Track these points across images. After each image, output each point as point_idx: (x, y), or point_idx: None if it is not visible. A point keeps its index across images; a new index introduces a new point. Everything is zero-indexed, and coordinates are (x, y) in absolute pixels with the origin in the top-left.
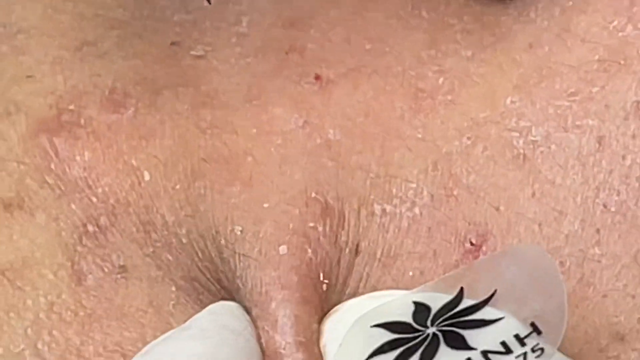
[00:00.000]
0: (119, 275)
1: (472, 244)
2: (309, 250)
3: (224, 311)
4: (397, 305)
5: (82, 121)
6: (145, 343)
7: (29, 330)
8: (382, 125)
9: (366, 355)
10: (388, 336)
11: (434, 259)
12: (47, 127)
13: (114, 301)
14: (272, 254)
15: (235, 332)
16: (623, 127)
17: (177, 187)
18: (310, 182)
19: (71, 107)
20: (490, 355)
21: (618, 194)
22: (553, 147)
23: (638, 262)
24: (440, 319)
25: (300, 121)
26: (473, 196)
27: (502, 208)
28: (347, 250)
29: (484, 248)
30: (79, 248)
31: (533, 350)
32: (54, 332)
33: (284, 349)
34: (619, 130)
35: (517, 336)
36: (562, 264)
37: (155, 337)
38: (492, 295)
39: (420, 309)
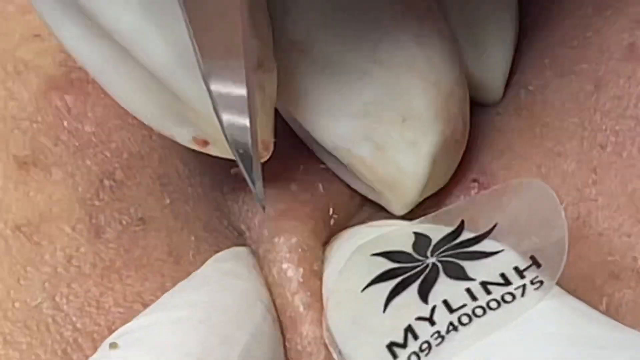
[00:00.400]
0: (137, 228)
1: (474, 180)
2: (320, 186)
3: (228, 257)
4: (398, 235)
5: (91, 77)
6: (165, 292)
7: (47, 284)
8: None
9: (366, 283)
10: (388, 265)
11: (443, 194)
12: (58, 85)
13: (133, 252)
14: (284, 189)
15: (239, 277)
16: (618, 69)
17: None
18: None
19: None
20: (489, 286)
21: (615, 135)
22: (550, 93)
23: (634, 202)
24: (440, 250)
25: None
26: (478, 142)
27: (505, 151)
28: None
29: (485, 185)
30: (96, 202)
31: (532, 283)
32: (73, 285)
33: (291, 276)
34: (613, 73)
35: (516, 268)
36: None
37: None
38: (493, 228)
39: (421, 239)
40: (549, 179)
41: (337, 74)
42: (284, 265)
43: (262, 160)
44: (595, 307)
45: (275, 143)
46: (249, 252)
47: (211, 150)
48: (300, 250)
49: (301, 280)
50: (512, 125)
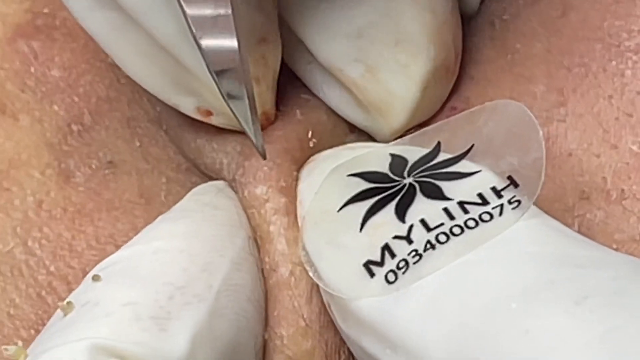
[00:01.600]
0: (107, 171)
1: (454, 108)
2: (298, 112)
3: (206, 190)
4: (374, 156)
5: (58, 23)
6: (137, 232)
7: (19, 229)
8: None
9: (342, 202)
10: (364, 185)
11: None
12: (24, 31)
13: (104, 195)
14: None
15: (218, 207)
16: None
17: None
18: None
19: (45, 10)
20: (466, 206)
21: (580, 57)
22: (520, 21)
23: (600, 122)
24: (417, 171)
25: None
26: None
27: (479, 79)
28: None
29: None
30: (64, 147)
31: (510, 202)
32: (45, 229)
33: (267, 194)
34: None
35: (493, 188)
36: None
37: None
38: (469, 149)
39: (397, 160)
40: (520, 102)
41: None
42: (253, 185)
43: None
44: None
45: None
46: (225, 185)
47: (214, 121)
48: (266, 168)
49: (265, 197)
50: (485, 54)
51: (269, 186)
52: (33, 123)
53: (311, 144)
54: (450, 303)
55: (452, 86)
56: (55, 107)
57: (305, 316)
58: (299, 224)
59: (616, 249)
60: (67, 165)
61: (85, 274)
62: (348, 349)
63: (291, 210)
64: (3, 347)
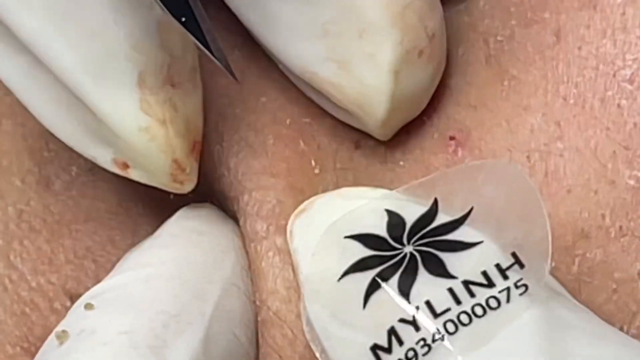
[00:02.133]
0: (86, 179)
1: (452, 138)
2: (301, 142)
3: (192, 215)
4: (369, 211)
5: None
6: (114, 246)
7: (1, 242)
8: None
9: (342, 271)
10: (363, 252)
11: (421, 154)
12: None
13: (82, 204)
14: (264, 143)
15: (203, 232)
16: (577, 19)
17: None
18: None
19: None
20: (472, 287)
21: (576, 86)
22: (516, 44)
23: (597, 157)
24: (417, 237)
25: None
26: (453, 95)
27: (477, 106)
28: (345, 144)
29: (462, 142)
30: (45, 153)
31: (516, 287)
32: (25, 242)
33: (266, 232)
34: (573, 21)
35: (498, 266)
36: (528, 159)
37: (125, 239)
38: (469, 213)
39: (395, 220)
40: (518, 134)
41: None
42: (254, 219)
43: (180, 189)
44: (568, 269)
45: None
46: (211, 209)
47: (132, 175)
48: (270, 205)
49: (264, 234)
50: (482, 76)
51: (269, 224)
52: (15, 127)
53: (317, 171)
54: None
55: (436, 72)
56: None
57: (288, 358)
58: (299, 283)
59: (615, 289)
60: (47, 171)
61: (65, 290)
62: None
63: (286, 250)
64: None
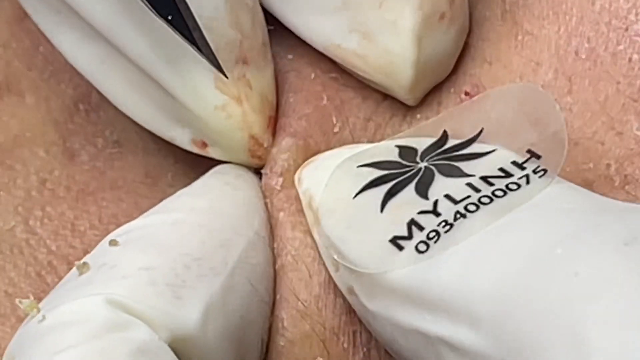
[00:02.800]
0: (113, 150)
1: (467, 93)
2: (325, 97)
3: (227, 171)
4: (380, 149)
5: None
6: (142, 213)
7: (20, 208)
8: None
9: (357, 190)
10: (377, 172)
11: (438, 108)
12: None
13: (108, 175)
14: (287, 100)
15: (238, 188)
16: None
17: None
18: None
19: None
20: (490, 179)
21: (588, 41)
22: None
23: (606, 109)
24: (429, 156)
25: None
26: (470, 51)
27: (492, 62)
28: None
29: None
30: (70, 126)
31: (535, 172)
32: (47, 208)
33: (280, 186)
34: None
35: (515, 162)
36: None
37: (152, 207)
38: (479, 133)
39: (406, 150)
40: None
41: None
42: (269, 177)
43: (259, 164)
44: None
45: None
46: (245, 170)
47: (211, 153)
48: (286, 164)
49: (279, 188)
50: (497, 32)
51: (284, 179)
52: (39, 101)
53: (336, 129)
54: (490, 259)
55: (459, 35)
56: (63, 86)
57: (303, 299)
58: (310, 220)
59: None
60: (72, 143)
61: (87, 254)
62: (349, 332)
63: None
64: (17, 300)
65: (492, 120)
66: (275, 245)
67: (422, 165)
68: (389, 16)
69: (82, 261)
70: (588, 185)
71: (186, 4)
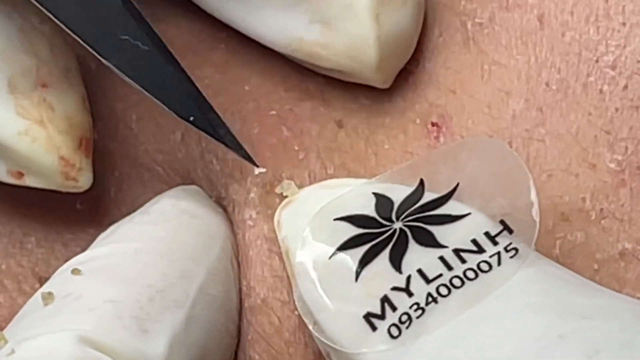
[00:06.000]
0: None
1: (433, 124)
2: (284, 129)
3: (183, 195)
4: (357, 195)
5: None
6: (85, 231)
7: None
8: None
9: (333, 250)
10: (353, 231)
11: (404, 139)
12: None
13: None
14: (250, 132)
15: (195, 216)
16: (561, 4)
17: None
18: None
19: None
20: (462, 254)
21: (559, 72)
22: (497, 28)
23: (578, 141)
24: (405, 214)
25: None
26: (432, 79)
27: (457, 91)
28: (329, 126)
29: (443, 129)
30: None
31: (507, 250)
32: None
33: (253, 220)
34: (557, 7)
35: (487, 234)
36: (509, 144)
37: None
38: (455, 189)
39: (382, 201)
40: (500, 120)
41: None
42: (242, 207)
43: (76, 187)
44: (550, 252)
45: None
46: (198, 190)
47: (27, 182)
48: (253, 195)
49: (252, 223)
50: (460, 60)
51: (257, 212)
52: None
53: (301, 157)
54: (459, 358)
55: (417, 12)
56: None
57: (273, 343)
58: (288, 270)
59: (597, 269)
60: None
61: (34, 273)
62: None
63: (274, 238)
64: None
65: (467, 175)
66: (244, 283)
67: (397, 226)
68: (344, 0)
69: (46, 290)
70: (564, 220)
71: (204, 101)
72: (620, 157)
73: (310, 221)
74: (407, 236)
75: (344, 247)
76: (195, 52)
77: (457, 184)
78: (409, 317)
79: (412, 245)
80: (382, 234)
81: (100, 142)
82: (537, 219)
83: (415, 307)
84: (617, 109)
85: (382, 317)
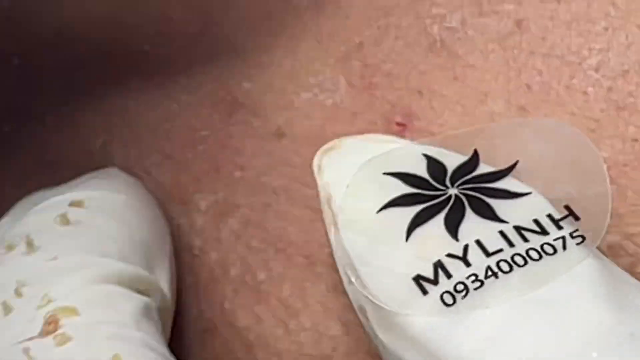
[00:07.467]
0: None
1: (398, 124)
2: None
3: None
4: (407, 154)
5: None
6: None
7: None
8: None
9: (381, 204)
10: (404, 189)
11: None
12: None
13: None
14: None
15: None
16: (541, 10)
17: None
18: None
19: None
20: (524, 233)
21: (540, 74)
22: (471, 32)
23: None
24: (460, 181)
25: None
26: (393, 82)
27: (424, 91)
28: (272, 135)
29: (410, 127)
30: None
31: (572, 236)
32: None
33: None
34: (536, 12)
35: (550, 217)
36: None
37: None
38: (514, 165)
39: (434, 165)
40: (476, 119)
41: None
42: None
43: None
44: None
45: None
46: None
47: None
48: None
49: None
50: (427, 62)
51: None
52: None
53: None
54: (520, 341)
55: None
56: None
57: None
58: (328, 219)
59: None
60: None
61: None
62: None
63: None
64: None
65: (528, 155)
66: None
67: (452, 192)
68: None
69: None
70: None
71: None
72: (606, 155)
73: (357, 170)
74: (463, 204)
75: (394, 203)
76: None
77: (516, 162)
78: (466, 287)
79: (470, 214)
80: (435, 197)
81: None
82: (610, 209)
83: (473, 277)
84: (602, 110)
85: (434, 282)
